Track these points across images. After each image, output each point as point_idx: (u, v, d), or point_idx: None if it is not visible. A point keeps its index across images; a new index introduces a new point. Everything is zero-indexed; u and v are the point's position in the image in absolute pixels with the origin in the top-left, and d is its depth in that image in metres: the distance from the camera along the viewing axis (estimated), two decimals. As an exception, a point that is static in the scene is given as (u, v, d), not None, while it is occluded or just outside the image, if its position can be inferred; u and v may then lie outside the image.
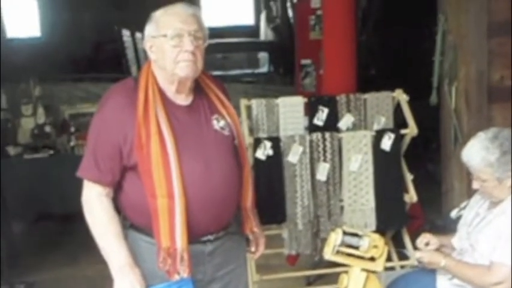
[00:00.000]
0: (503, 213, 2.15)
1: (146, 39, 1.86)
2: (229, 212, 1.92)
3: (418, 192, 3.14)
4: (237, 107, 2.87)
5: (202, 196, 1.80)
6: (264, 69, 8.14)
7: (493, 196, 2.21)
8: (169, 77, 1.82)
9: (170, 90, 1.85)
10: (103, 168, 1.80)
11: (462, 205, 2.45)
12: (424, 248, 2.30)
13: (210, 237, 1.88)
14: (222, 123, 1.90)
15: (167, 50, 1.79)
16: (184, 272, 1.77)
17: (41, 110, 4.84)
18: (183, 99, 1.87)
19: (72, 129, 4.81)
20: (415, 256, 2.28)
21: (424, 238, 2.33)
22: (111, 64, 6.87)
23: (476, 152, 2.15)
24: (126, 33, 7.04)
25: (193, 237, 1.79)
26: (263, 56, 8.24)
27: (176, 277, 1.77)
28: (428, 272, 2.30)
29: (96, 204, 1.81)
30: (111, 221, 1.80)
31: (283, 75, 7.28)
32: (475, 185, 2.22)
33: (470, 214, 2.32)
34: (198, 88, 1.91)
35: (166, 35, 1.78)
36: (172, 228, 1.75)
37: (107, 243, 1.79)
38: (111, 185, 1.83)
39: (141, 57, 6.56)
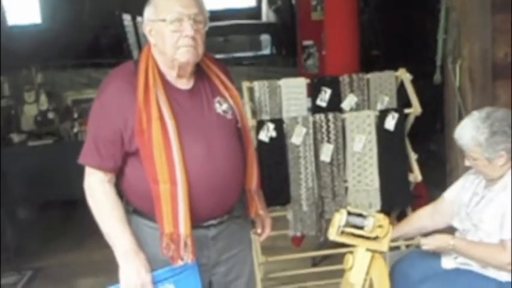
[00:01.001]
0: (504, 190, 2.15)
1: (145, 23, 1.82)
2: (233, 196, 1.90)
3: (423, 171, 3.14)
4: (239, 90, 2.86)
5: (205, 181, 1.78)
6: (266, 51, 8.09)
7: (485, 174, 2.21)
8: (170, 62, 1.80)
9: (171, 75, 1.83)
10: (104, 154, 1.78)
11: (456, 187, 2.44)
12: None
13: (214, 221, 1.87)
14: (224, 106, 1.87)
15: (167, 34, 1.76)
16: (188, 258, 1.77)
17: (43, 97, 4.83)
18: (184, 83, 1.84)
19: (75, 115, 4.81)
20: (420, 245, 2.27)
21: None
22: (112, 49, 6.84)
23: (467, 131, 2.15)
24: (127, 18, 6.99)
25: (196, 222, 1.79)
26: (265, 38, 8.18)
27: (180, 263, 1.77)
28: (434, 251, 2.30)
29: (98, 190, 1.80)
30: (114, 206, 1.80)
31: (286, 57, 7.23)
32: (467, 162, 2.23)
33: (467, 195, 2.30)
34: (199, 71, 1.88)
35: (166, 19, 1.75)
36: (175, 214, 1.74)
37: (111, 228, 1.79)
38: (113, 171, 1.82)
39: (142, 42, 6.51)
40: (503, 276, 2.11)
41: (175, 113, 1.77)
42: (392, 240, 2.38)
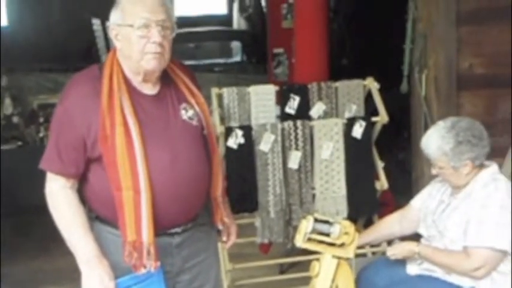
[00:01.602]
0: (469, 197, 2.19)
1: (111, 27, 1.79)
2: (197, 204, 1.88)
3: (389, 179, 3.18)
4: (209, 97, 2.86)
5: (169, 188, 1.76)
6: (237, 58, 8.12)
7: (451, 182, 2.25)
8: (135, 68, 1.77)
9: (136, 80, 1.80)
10: (66, 160, 1.75)
11: (422, 194, 2.48)
12: (396, 242, 2.33)
13: (178, 229, 1.85)
14: (190, 112, 1.85)
15: (133, 40, 1.73)
16: (151, 266, 1.74)
17: (8, 101, 4.75)
18: (149, 89, 1.81)
19: (41, 119, 4.74)
20: (387, 254, 2.30)
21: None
22: (81, 54, 6.75)
23: (433, 141, 2.20)
24: (96, 22, 6.90)
25: (160, 229, 1.76)
26: (236, 45, 8.21)
27: (142, 270, 1.74)
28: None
29: (60, 197, 1.77)
30: (76, 213, 1.76)
31: (256, 64, 7.26)
32: (433, 171, 2.27)
33: (433, 202, 2.35)
34: (165, 76, 1.85)
35: (133, 25, 1.72)
36: (138, 222, 1.71)
37: (73, 236, 1.75)
38: (75, 177, 1.78)
39: (111, 47, 6.46)
40: (466, 283, 2.15)
41: (140, 119, 1.74)
42: (359, 247, 2.41)
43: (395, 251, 2.25)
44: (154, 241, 1.73)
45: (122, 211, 1.72)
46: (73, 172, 1.77)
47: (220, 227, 2.01)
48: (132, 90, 1.78)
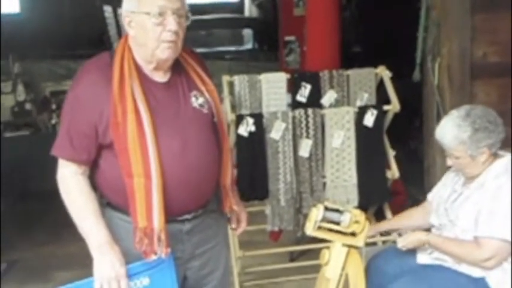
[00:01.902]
0: (482, 187, 2.17)
1: (125, 14, 1.78)
2: (207, 191, 1.89)
3: (401, 168, 3.17)
4: (220, 84, 2.85)
5: (180, 175, 1.77)
6: (248, 45, 8.06)
7: (466, 172, 2.23)
8: (149, 56, 1.77)
9: (147, 67, 1.80)
10: (78, 147, 1.75)
11: (437, 186, 2.47)
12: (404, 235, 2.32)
13: (188, 216, 1.85)
14: (200, 100, 1.85)
15: (149, 28, 1.72)
16: (161, 252, 1.75)
17: (20, 87, 4.77)
18: (160, 76, 1.81)
19: (54, 106, 4.77)
20: (398, 246, 2.29)
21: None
22: (92, 41, 6.75)
23: (449, 130, 2.16)
24: (108, 9, 6.89)
25: (170, 216, 1.77)
26: (247, 32, 8.16)
27: (153, 257, 1.75)
28: (409, 247, 2.32)
29: (72, 183, 1.77)
30: (88, 199, 1.77)
31: (268, 52, 7.22)
32: (449, 161, 2.25)
33: (446, 191, 2.33)
34: (176, 64, 1.85)
35: (149, 12, 1.71)
36: (149, 208, 1.72)
37: (85, 222, 1.76)
38: (87, 164, 1.79)
39: (123, 34, 6.45)
40: (476, 272, 2.14)
41: (151, 106, 1.74)
42: (371, 236, 2.40)
43: (405, 242, 2.24)
44: (165, 227, 1.74)
45: (133, 197, 1.73)
46: (84, 158, 1.77)
47: (228, 214, 2.02)
48: (143, 78, 1.78)
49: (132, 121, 1.70)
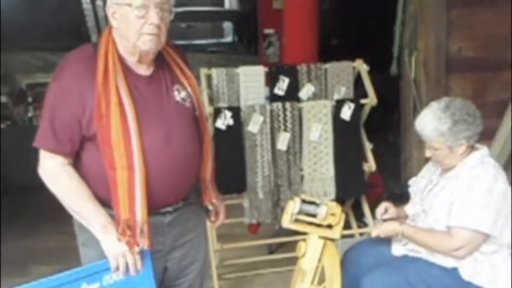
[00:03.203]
0: (456, 178, 2.21)
1: (109, 5, 1.79)
2: (188, 184, 1.91)
3: (379, 161, 3.20)
4: (198, 77, 2.85)
5: (162, 168, 1.78)
6: (228, 38, 8.04)
7: (444, 164, 2.26)
8: (131, 48, 1.77)
9: (131, 60, 1.80)
10: (61, 138, 1.75)
11: (419, 174, 2.51)
12: (379, 216, 2.35)
13: (169, 208, 1.87)
14: (183, 94, 1.87)
15: (131, 20, 1.73)
16: (144, 244, 1.76)
17: (-4, 80, 4.70)
18: (144, 69, 1.82)
19: (30, 99, 4.71)
20: (371, 235, 2.32)
21: (382, 208, 2.37)
22: (70, 33, 6.67)
23: (429, 122, 2.19)
24: (85, 1, 6.82)
25: (152, 208, 1.78)
26: (228, 25, 8.13)
27: (136, 249, 1.76)
28: (384, 238, 2.36)
29: (60, 173, 1.77)
30: (81, 185, 1.78)
31: (248, 45, 7.22)
32: (428, 153, 2.27)
33: (423, 181, 2.38)
34: (159, 58, 1.86)
35: (132, 4, 1.72)
36: (132, 201, 1.73)
37: (85, 208, 1.77)
38: (71, 155, 1.79)
39: (101, 26, 6.38)
40: (449, 263, 2.18)
41: (135, 99, 1.75)
42: (346, 228, 2.43)
43: (378, 231, 2.28)
44: (147, 220, 1.75)
45: (115, 190, 1.73)
46: (68, 150, 1.77)
47: (210, 207, 2.04)
48: (127, 71, 1.78)
49: (116, 114, 1.71)
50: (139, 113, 1.75)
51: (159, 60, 1.86)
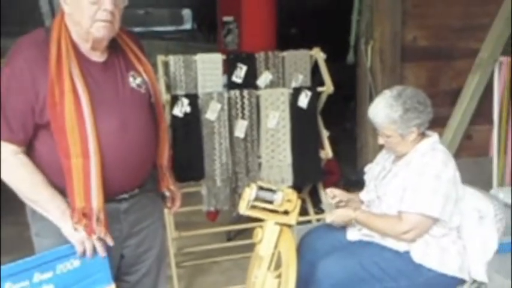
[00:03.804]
0: (408, 165, 2.27)
1: None
2: (145, 171, 1.91)
3: (336, 149, 3.25)
4: (155, 64, 2.81)
5: (118, 155, 1.77)
6: (187, 26, 7.98)
7: (396, 151, 2.32)
8: (84, 34, 1.74)
9: (84, 47, 1.78)
10: (14, 127, 1.71)
11: (374, 161, 2.56)
12: (333, 205, 2.40)
13: (126, 195, 1.87)
14: (138, 80, 1.86)
15: (84, 6, 1.70)
16: (100, 232, 1.75)
17: None
18: (98, 56, 1.80)
19: (-19, 85, 4.54)
20: (326, 221, 2.37)
21: (330, 193, 2.42)
22: (23, 17, 6.48)
23: (381, 110, 2.24)
24: (40, -15, 6.64)
25: (108, 195, 1.77)
26: (186, 12, 8.06)
27: (93, 237, 1.75)
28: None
29: (14, 162, 1.73)
30: (35, 173, 1.74)
31: (207, 33, 7.17)
32: (380, 140, 2.33)
33: (377, 168, 2.43)
34: (113, 44, 1.84)
35: None
36: (88, 189, 1.71)
37: (41, 195, 1.74)
38: (24, 144, 1.75)
39: (56, 11, 6.23)
40: (401, 247, 2.24)
41: (89, 85, 1.73)
42: (303, 214, 2.46)
43: (333, 217, 2.32)
44: (103, 207, 1.74)
45: (70, 178, 1.71)
46: (21, 138, 1.73)
47: (167, 193, 2.04)
48: (80, 57, 1.76)
49: (70, 101, 1.68)
50: (94, 100, 1.72)
51: (113, 47, 1.84)
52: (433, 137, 2.32)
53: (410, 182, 2.22)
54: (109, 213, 1.78)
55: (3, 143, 1.73)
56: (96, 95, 1.74)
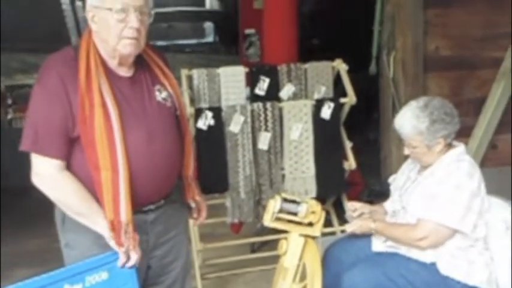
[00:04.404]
0: (432, 175, 2.26)
1: (88, 9, 1.80)
2: (171, 182, 1.94)
3: (359, 159, 3.24)
4: (179, 78, 2.86)
5: (145, 168, 1.80)
6: (209, 38, 8.05)
7: (422, 161, 2.31)
8: (111, 51, 1.79)
9: (112, 63, 1.83)
10: (56, 142, 1.75)
11: (398, 171, 2.55)
12: (354, 218, 2.40)
13: (152, 206, 1.90)
14: (164, 94, 1.90)
15: (111, 24, 1.74)
16: (129, 244, 1.78)
17: (-25, 82, 4.65)
18: (125, 71, 1.85)
19: (9, 101, 4.66)
20: (346, 230, 2.38)
21: (351, 206, 2.42)
22: (49, 34, 6.62)
23: (408, 121, 2.23)
24: (65, 2, 6.77)
25: (135, 207, 1.80)
26: (208, 25, 8.14)
27: (121, 249, 1.77)
28: (364, 235, 2.39)
29: (62, 178, 1.77)
30: (82, 187, 1.78)
31: (229, 45, 7.22)
32: (406, 151, 2.32)
33: (402, 178, 2.42)
34: (139, 59, 1.88)
35: (112, 8, 1.74)
36: (117, 201, 1.74)
37: (90, 208, 1.77)
38: (66, 159, 1.78)
39: (81, 27, 6.34)
40: (427, 258, 2.22)
41: (117, 100, 1.77)
42: (327, 226, 2.47)
43: (353, 227, 2.33)
44: (132, 219, 1.77)
45: (100, 191, 1.75)
46: (64, 153, 1.77)
47: (192, 204, 2.07)
48: (108, 72, 1.80)
49: (100, 115, 1.72)
50: (122, 114, 1.76)
51: (140, 62, 1.88)
52: (460, 148, 2.30)
53: (430, 190, 2.21)
54: (136, 225, 1.81)
55: (47, 160, 1.75)
56: (124, 109, 1.78)
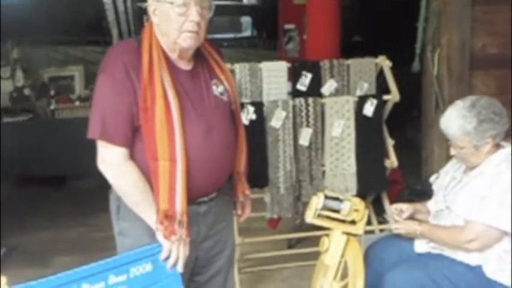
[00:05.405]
0: (480, 175, 2.20)
1: (150, 2, 1.82)
2: (225, 175, 1.95)
3: (399, 157, 3.19)
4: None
5: (203, 160, 1.82)
6: (247, 33, 8.06)
7: (469, 162, 2.25)
8: (171, 44, 1.81)
9: (172, 55, 1.85)
10: (123, 130, 1.77)
11: (441, 171, 2.50)
12: (400, 218, 2.36)
13: (205, 198, 1.91)
14: (220, 88, 1.91)
15: (172, 17, 1.76)
16: (182, 234, 1.78)
17: (19, 73, 4.76)
18: (184, 64, 1.86)
19: (52, 92, 4.75)
20: (391, 228, 2.34)
21: (395, 209, 2.38)
22: (91, 27, 6.72)
23: (454, 121, 2.18)
24: (106, -5, 6.85)
25: (190, 198, 1.81)
26: (246, 20, 8.14)
27: (173, 239, 1.78)
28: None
29: (128, 167, 1.79)
30: (143, 177, 1.79)
31: (267, 40, 7.21)
32: (453, 151, 2.26)
33: (447, 178, 2.37)
34: (197, 52, 1.90)
35: (173, 2, 1.75)
36: (173, 191, 1.75)
37: (147, 199, 1.78)
38: (130, 146, 1.80)
39: (121, 20, 6.41)
40: (473, 261, 2.18)
41: (178, 92, 1.79)
42: (366, 224, 2.43)
43: (399, 226, 2.30)
44: (187, 210, 1.78)
45: (156, 180, 1.76)
46: (131, 141, 1.78)
47: (241, 198, 2.08)
48: (170, 65, 1.82)
49: (161, 106, 1.74)
50: (182, 107, 1.78)
51: (198, 55, 1.90)
52: (508, 148, 2.24)
53: (480, 191, 2.15)
54: (189, 216, 1.81)
55: (115, 148, 1.77)
56: (184, 102, 1.79)
